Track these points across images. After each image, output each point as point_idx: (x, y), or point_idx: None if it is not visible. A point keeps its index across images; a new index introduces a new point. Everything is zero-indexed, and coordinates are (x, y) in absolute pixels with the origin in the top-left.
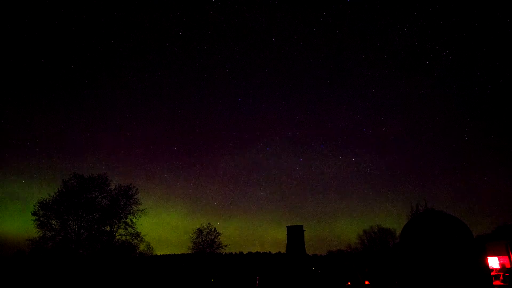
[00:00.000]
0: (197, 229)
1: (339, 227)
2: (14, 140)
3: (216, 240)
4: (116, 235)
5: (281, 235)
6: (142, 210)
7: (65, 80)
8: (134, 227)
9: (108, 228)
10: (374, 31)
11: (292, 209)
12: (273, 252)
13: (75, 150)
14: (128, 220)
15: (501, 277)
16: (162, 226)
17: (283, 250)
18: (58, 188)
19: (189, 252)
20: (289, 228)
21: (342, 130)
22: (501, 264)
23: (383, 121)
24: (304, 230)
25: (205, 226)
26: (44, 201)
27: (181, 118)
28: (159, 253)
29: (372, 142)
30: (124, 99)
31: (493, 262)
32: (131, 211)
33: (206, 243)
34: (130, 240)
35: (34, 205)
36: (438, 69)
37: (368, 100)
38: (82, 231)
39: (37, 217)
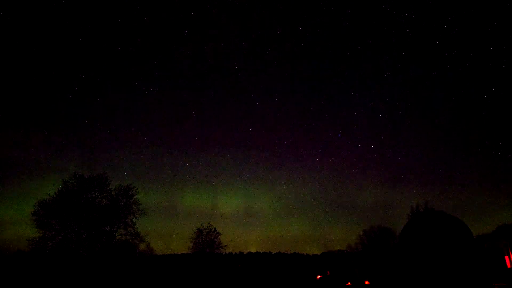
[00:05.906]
0: (197, 229)
1: (340, 225)
2: (32, 149)
3: (216, 240)
4: (116, 235)
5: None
6: (142, 210)
7: (78, 90)
8: (134, 227)
9: (108, 228)
10: (379, 15)
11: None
12: (273, 252)
13: (82, 152)
14: (128, 220)
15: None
16: (177, 225)
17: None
18: (58, 188)
19: (189, 252)
20: None
21: (358, 118)
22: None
23: (398, 105)
24: None
25: (205, 226)
26: (44, 201)
27: (195, 119)
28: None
29: (389, 128)
30: (136, 104)
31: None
32: (131, 211)
33: (206, 243)
34: (130, 240)
35: (34, 205)
36: (448, 48)
37: (381, 86)
38: (82, 231)
39: (37, 217)
